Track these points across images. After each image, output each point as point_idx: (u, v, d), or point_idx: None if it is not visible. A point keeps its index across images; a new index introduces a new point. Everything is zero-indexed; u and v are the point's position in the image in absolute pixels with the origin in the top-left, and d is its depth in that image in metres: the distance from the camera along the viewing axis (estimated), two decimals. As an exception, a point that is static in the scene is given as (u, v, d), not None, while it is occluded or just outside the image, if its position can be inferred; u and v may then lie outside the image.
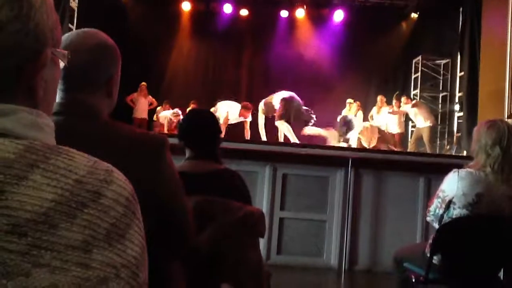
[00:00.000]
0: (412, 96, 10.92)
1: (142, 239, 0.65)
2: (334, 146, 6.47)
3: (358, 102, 9.68)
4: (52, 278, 0.53)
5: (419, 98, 10.61)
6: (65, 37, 1.15)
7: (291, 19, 11.50)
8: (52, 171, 0.58)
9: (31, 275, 0.52)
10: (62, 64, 0.78)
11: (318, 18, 11.47)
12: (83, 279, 0.55)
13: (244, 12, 11.41)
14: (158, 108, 10.26)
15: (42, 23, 0.68)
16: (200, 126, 2.10)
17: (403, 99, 9.50)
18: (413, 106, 8.94)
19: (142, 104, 10.04)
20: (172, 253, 1.32)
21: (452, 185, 2.41)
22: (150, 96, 10.19)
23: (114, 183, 0.63)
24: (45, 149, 0.60)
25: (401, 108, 9.16)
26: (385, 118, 9.28)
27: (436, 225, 2.50)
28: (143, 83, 10.06)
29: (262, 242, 4.43)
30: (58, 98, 1.17)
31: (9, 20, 0.64)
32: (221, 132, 2.18)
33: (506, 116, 6.81)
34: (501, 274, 2.86)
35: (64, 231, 0.55)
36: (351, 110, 9.52)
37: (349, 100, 9.73)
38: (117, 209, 0.61)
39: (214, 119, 2.21)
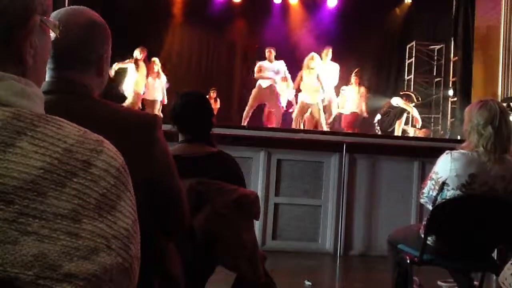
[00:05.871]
0: (406, 81, 10.90)
1: (133, 212, 0.64)
2: (327, 131, 6.47)
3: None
4: (41, 246, 0.52)
5: (413, 84, 10.59)
6: (54, 14, 1.13)
7: (285, 5, 11.40)
8: (40, 139, 0.57)
9: (19, 243, 0.52)
10: (53, 36, 0.77)
11: (312, 4, 11.38)
12: (73, 248, 0.54)
13: (237, -2, 11.30)
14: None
15: None
16: (193, 109, 2.09)
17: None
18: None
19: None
20: (166, 232, 1.32)
21: (445, 166, 2.41)
22: (142, 85, 10.12)
23: (104, 153, 0.62)
24: (33, 117, 0.59)
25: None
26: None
27: (430, 207, 2.50)
28: (136, 71, 9.98)
29: (257, 228, 4.46)
30: (48, 77, 1.16)
31: None
32: (214, 115, 2.17)
33: (499, 101, 6.82)
34: (494, 254, 2.89)
35: (52, 200, 0.55)
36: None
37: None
38: (108, 179, 0.61)
39: (206, 102, 2.20)
